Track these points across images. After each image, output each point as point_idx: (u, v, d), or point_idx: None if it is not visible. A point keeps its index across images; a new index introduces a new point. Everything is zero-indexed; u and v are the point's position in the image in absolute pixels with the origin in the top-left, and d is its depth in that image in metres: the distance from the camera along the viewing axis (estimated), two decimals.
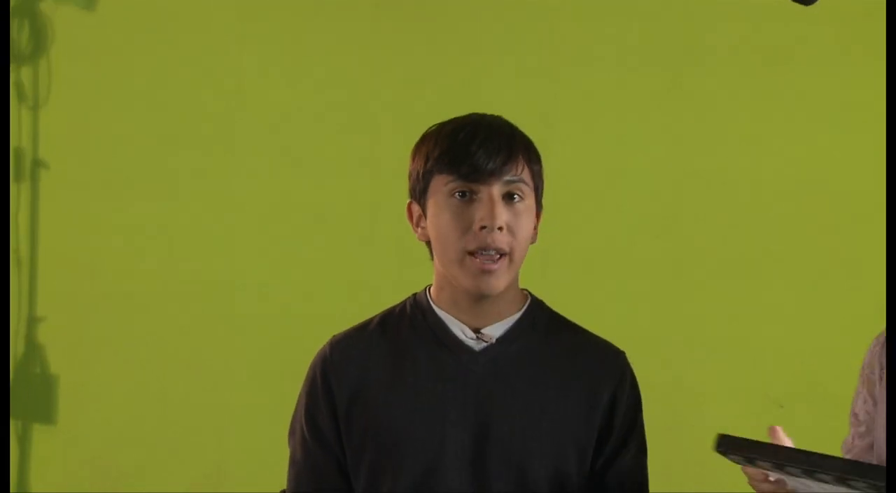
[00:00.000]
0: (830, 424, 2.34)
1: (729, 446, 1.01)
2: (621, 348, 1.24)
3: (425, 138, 1.19)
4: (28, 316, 2.75)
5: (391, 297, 1.30)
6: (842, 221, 2.64)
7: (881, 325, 2.55)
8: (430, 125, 1.26)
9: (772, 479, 1.08)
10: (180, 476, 2.59)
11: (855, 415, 1.32)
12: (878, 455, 1.27)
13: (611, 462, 1.18)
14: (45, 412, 2.71)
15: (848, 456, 1.28)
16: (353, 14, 2.75)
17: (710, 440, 2.88)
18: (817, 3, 1.01)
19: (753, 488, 1.11)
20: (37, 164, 2.76)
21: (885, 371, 1.25)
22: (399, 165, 2.28)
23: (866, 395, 1.28)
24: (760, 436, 2.77)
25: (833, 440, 2.44)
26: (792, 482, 1.04)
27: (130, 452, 2.65)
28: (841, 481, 0.95)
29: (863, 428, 1.30)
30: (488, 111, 1.57)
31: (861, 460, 1.24)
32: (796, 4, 1.04)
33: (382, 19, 2.74)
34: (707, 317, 2.67)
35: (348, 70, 2.76)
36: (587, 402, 1.18)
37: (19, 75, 2.73)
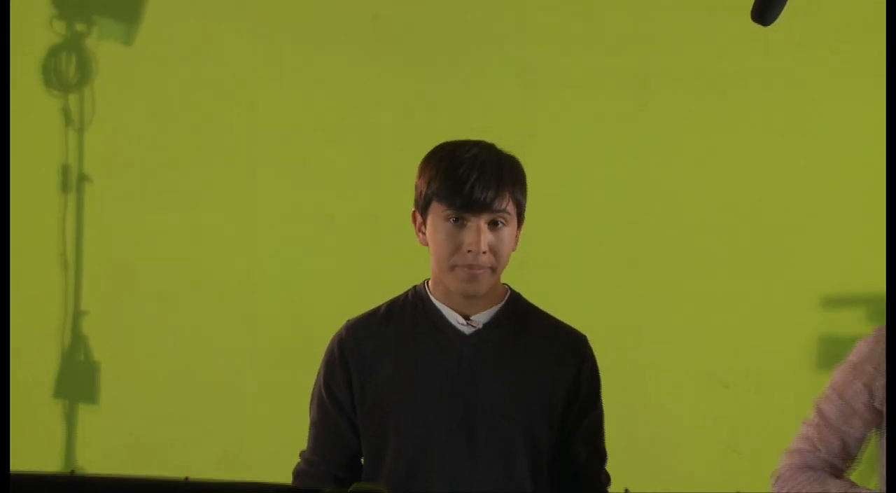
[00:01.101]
0: (768, 401, 2.53)
1: None
2: (584, 333, 1.34)
3: (430, 160, 1.26)
4: (74, 310, 2.85)
5: (391, 291, 1.39)
6: (776, 228, 2.75)
7: (810, 316, 2.63)
8: (437, 143, 1.33)
9: None
10: (206, 449, 2.70)
11: (819, 411, 1.28)
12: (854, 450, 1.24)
13: (577, 427, 1.29)
14: (89, 394, 2.82)
15: (802, 464, 1.24)
16: (355, 45, 2.83)
17: (663, 416, 2.95)
18: (775, 23, 1.00)
19: None
20: (82, 178, 2.85)
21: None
22: (397, 174, 2.30)
23: (861, 387, 1.26)
24: (706, 413, 2.94)
25: (769, 416, 2.59)
26: None
27: (162, 428, 2.75)
28: None
29: (828, 415, 1.26)
30: (472, 126, 1.71)
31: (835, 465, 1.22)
32: (749, 34, 1.00)
33: (381, 49, 2.83)
34: (660, 308, 2.75)
35: (351, 93, 2.84)
36: (556, 378, 1.28)
37: (67, 102, 2.82)
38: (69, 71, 2.83)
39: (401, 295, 1.33)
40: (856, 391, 1.25)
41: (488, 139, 1.30)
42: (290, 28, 2.83)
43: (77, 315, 2.87)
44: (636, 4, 2.76)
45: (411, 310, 1.30)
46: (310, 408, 1.33)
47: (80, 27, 2.80)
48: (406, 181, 1.83)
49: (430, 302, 1.28)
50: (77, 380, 2.87)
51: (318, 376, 1.33)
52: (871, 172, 2.63)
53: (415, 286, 1.33)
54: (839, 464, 1.26)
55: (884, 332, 1.24)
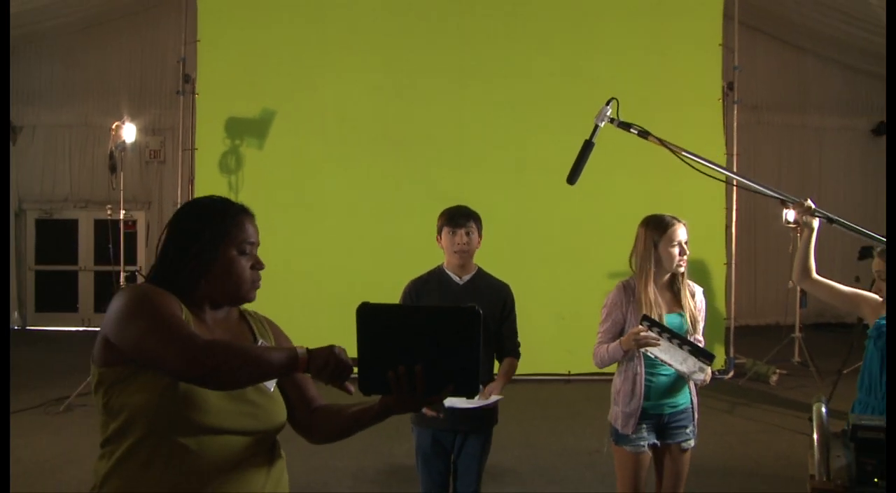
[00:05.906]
0: (584, 326, 3.42)
1: (650, 321, 1.83)
2: (508, 283, 2.30)
3: (442, 213, 2.25)
4: None
5: (413, 271, 2.28)
6: (586, 239, 4.56)
7: (602, 282, 4.35)
8: (424, 198, 3.31)
9: (652, 334, 1.91)
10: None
11: (603, 325, 2.12)
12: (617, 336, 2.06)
13: (503, 323, 2.28)
14: None
15: (604, 343, 2.10)
16: (375, 146, 4.63)
17: (532, 334, 4.39)
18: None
19: (635, 337, 1.94)
20: None
21: (633, 303, 2.05)
22: (405, 212, 4.45)
23: (618, 311, 2.09)
24: (553, 333, 5.24)
25: (585, 334, 3.27)
26: (668, 346, 1.87)
27: None
28: (687, 351, 1.91)
29: (608, 326, 2.10)
30: (440, 189, 3.67)
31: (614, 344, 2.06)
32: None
33: (389, 149, 4.59)
34: (532, 278, 4.47)
35: (374, 173, 4.55)
36: (497, 303, 2.26)
37: (230, 179, 4.56)
38: (231, 163, 4.71)
39: (432, 269, 2.30)
40: (615, 313, 2.13)
41: (449, 197, 2.43)
42: (339, 139, 4.71)
43: None
44: (516, 120, 4.63)
45: (437, 275, 2.26)
46: None
47: (237, 142, 4.72)
48: (411, 214, 3.89)
49: (445, 272, 2.27)
50: None
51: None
52: (627, 217, 3.77)
53: (439, 265, 2.28)
54: (612, 341, 2.14)
55: (622, 285, 2.14)
